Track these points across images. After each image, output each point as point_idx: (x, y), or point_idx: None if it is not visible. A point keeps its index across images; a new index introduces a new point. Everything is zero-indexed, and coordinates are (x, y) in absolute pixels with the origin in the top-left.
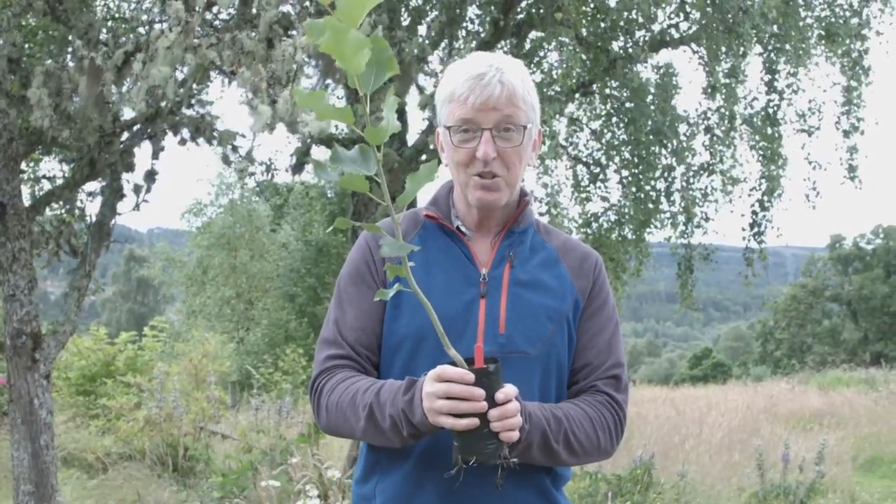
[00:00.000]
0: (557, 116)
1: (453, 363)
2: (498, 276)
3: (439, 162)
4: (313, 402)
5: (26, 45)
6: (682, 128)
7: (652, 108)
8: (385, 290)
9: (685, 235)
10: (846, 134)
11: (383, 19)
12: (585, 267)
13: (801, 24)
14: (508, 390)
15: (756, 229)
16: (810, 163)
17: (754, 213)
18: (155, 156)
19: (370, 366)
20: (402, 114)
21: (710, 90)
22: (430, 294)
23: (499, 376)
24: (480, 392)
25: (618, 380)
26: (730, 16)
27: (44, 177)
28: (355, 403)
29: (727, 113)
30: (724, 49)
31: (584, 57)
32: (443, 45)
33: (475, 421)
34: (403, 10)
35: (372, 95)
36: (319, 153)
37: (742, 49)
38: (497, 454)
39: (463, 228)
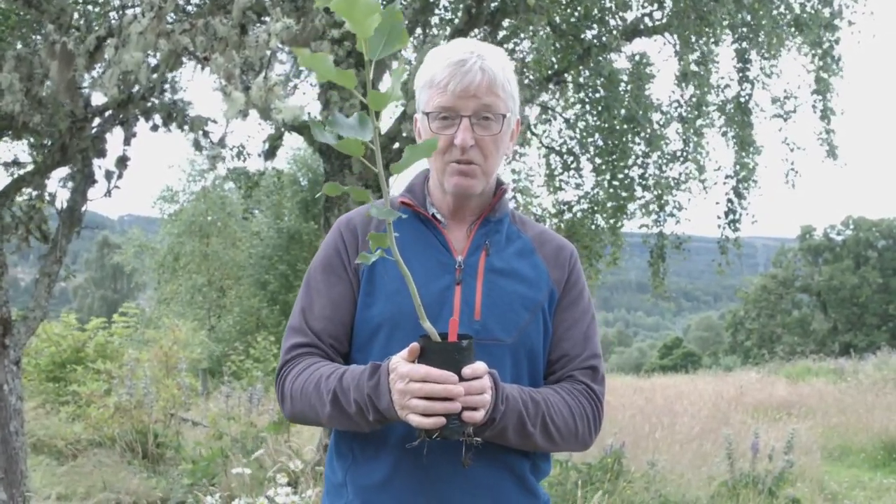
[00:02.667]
0: (529, 105)
1: (427, 336)
2: (473, 264)
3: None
4: (278, 391)
5: None
6: (656, 116)
7: (625, 96)
8: (367, 254)
9: (658, 224)
10: (823, 116)
11: None
12: (561, 258)
13: (774, 13)
14: (477, 367)
15: (731, 217)
16: (788, 145)
17: (729, 201)
18: (126, 142)
19: (336, 355)
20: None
21: (682, 78)
22: (405, 280)
23: (471, 353)
24: (459, 391)
25: (595, 371)
26: (701, 3)
27: (14, 162)
28: (319, 389)
29: (695, 101)
30: (694, 37)
31: (557, 45)
32: (416, 32)
33: (441, 420)
34: None
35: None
36: (292, 141)
37: (713, 37)
38: (461, 431)
39: (438, 216)
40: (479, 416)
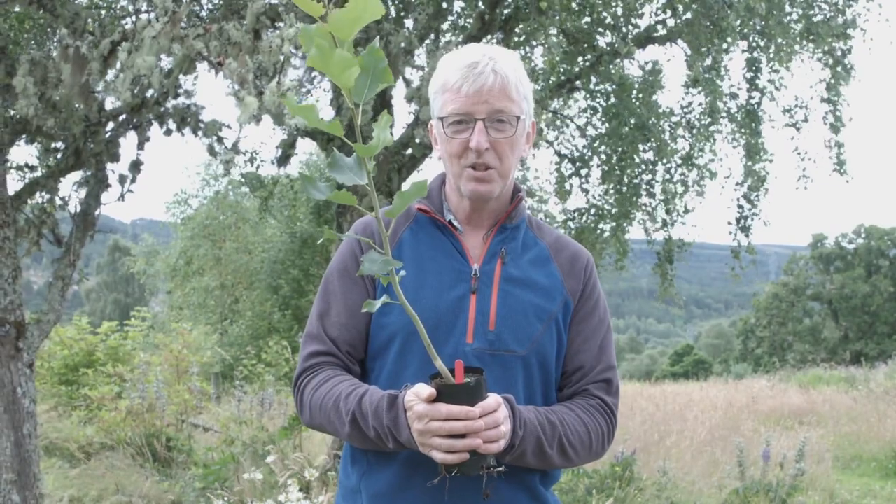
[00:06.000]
0: (541, 111)
1: (439, 376)
2: (489, 272)
3: (427, 154)
4: (296, 399)
5: (12, 34)
6: (667, 124)
7: (637, 103)
8: (372, 301)
9: (665, 228)
10: (833, 128)
11: None
12: (577, 267)
13: (785, 20)
14: (486, 404)
15: (743, 223)
16: (798, 153)
17: (740, 207)
18: (140, 146)
19: (353, 362)
20: (388, 107)
21: (692, 83)
22: (420, 289)
23: (480, 389)
24: (480, 425)
25: (609, 383)
26: (713, 11)
27: (26, 165)
28: (339, 408)
29: (707, 107)
30: (706, 45)
31: (569, 49)
32: (430, 38)
33: (465, 455)
34: (391, 2)
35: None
36: (305, 145)
37: (725, 44)
38: (479, 465)
39: (455, 222)
40: (495, 447)
